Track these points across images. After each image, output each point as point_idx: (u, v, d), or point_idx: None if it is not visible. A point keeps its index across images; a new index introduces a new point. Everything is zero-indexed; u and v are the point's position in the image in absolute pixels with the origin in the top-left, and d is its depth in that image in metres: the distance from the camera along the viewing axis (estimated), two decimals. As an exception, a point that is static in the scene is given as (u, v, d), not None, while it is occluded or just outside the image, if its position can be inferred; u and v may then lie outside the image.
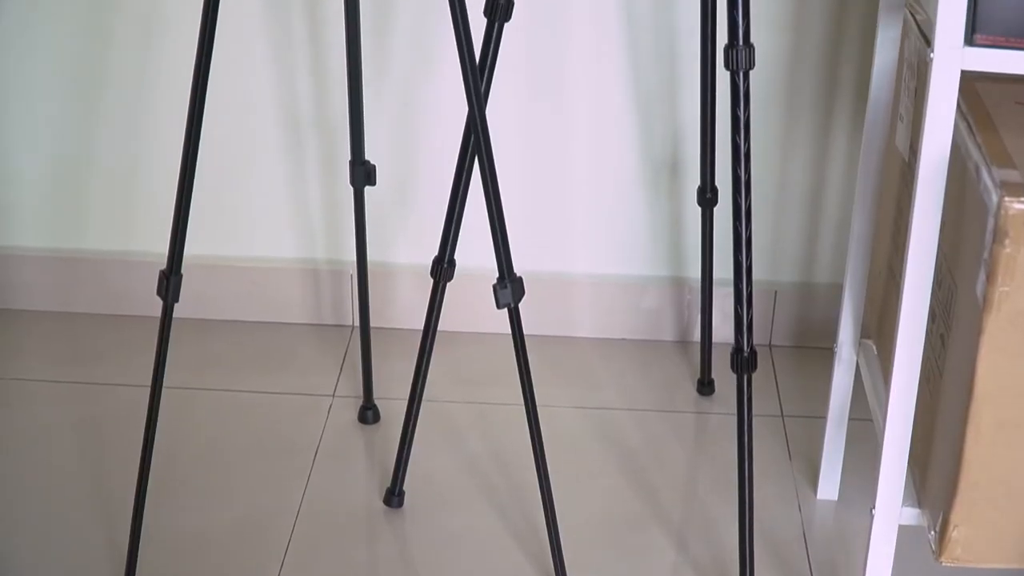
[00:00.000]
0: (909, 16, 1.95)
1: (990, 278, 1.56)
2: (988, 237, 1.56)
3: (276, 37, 2.36)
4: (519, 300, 1.86)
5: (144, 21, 2.35)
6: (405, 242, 2.49)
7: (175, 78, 2.37)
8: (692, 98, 2.30)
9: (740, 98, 1.80)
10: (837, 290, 2.27)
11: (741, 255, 1.86)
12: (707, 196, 2.24)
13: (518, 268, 1.91)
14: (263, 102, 2.41)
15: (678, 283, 2.51)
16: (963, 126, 1.69)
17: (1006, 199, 1.53)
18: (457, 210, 1.94)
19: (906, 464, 1.78)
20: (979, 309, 1.59)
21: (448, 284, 1.99)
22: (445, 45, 2.04)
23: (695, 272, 2.44)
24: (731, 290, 1.90)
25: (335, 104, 2.38)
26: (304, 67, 2.38)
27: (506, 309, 1.86)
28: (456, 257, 1.97)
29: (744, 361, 1.90)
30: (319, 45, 2.36)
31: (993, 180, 1.57)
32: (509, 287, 1.85)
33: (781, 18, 2.31)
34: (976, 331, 1.60)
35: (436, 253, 1.98)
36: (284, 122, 2.42)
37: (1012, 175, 1.58)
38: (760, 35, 2.25)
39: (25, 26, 2.38)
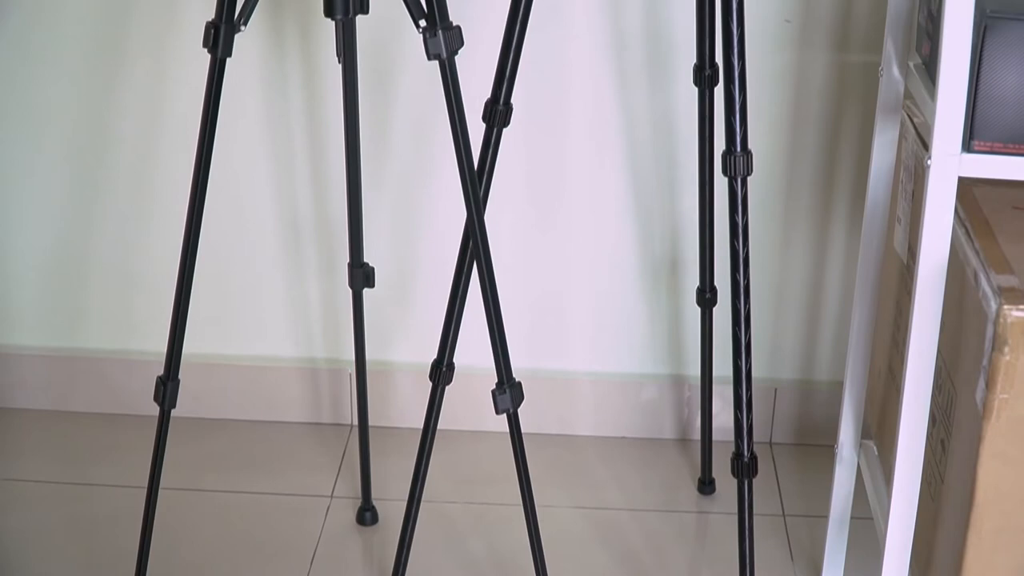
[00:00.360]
0: (906, 118, 1.95)
1: (989, 385, 1.56)
2: (987, 344, 1.56)
3: (276, 138, 2.37)
4: (518, 405, 1.86)
5: (144, 122, 2.36)
6: (404, 341, 2.49)
7: (174, 177, 2.37)
8: (691, 196, 2.31)
9: (738, 204, 1.80)
10: (837, 388, 2.27)
11: (741, 360, 1.85)
12: (706, 296, 2.24)
13: (517, 365, 1.91)
14: (263, 203, 2.41)
15: (678, 381, 2.51)
16: (961, 232, 1.69)
17: (1005, 307, 1.52)
18: (456, 314, 1.94)
19: (908, 568, 1.76)
20: (979, 416, 1.58)
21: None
22: (444, 148, 2.05)
23: (695, 370, 2.43)
24: (731, 387, 1.90)
25: (334, 205, 2.39)
26: (304, 168, 2.38)
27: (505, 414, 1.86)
28: (456, 355, 1.97)
29: (745, 466, 1.89)
30: (318, 147, 2.37)
31: (992, 287, 1.57)
32: (508, 392, 1.85)
33: (778, 118, 2.31)
34: (976, 438, 1.59)
35: (435, 354, 1.98)
36: (283, 223, 2.42)
37: (1010, 281, 1.58)
38: (757, 134, 2.26)
39: (25, 123, 2.39)
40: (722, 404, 2.40)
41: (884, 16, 2.01)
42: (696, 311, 2.30)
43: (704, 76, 2.05)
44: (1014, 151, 1.61)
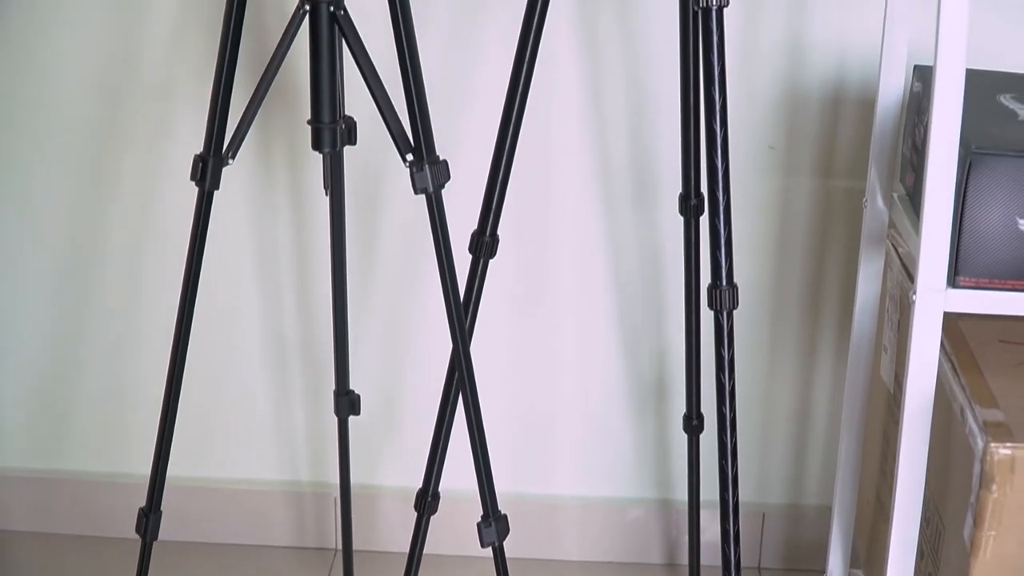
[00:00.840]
0: (891, 248, 1.96)
1: (977, 522, 1.55)
2: (975, 481, 1.55)
3: (263, 265, 2.37)
4: (503, 538, 1.85)
5: (132, 244, 2.36)
6: (390, 465, 2.48)
7: (161, 302, 2.37)
8: (678, 320, 2.31)
9: (724, 337, 1.80)
10: (826, 512, 2.26)
11: (728, 493, 1.84)
12: (693, 423, 2.23)
13: (503, 490, 1.90)
14: (249, 329, 2.41)
15: (665, 505, 2.49)
16: (947, 366, 1.69)
17: (992, 445, 1.52)
18: (441, 445, 1.93)
19: None
20: (967, 552, 1.57)
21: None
22: (430, 277, 2.05)
23: (682, 494, 2.42)
24: (719, 511, 1.88)
25: (321, 332, 2.38)
26: (290, 296, 2.38)
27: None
28: (442, 480, 1.96)
29: (732, 601, 1.88)
30: (305, 275, 2.37)
31: (978, 423, 1.57)
32: (493, 525, 1.84)
33: (763, 244, 2.32)
34: (964, 574, 1.58)
35: (421, 480, 1.96)
36: (270, 348, 2.42)
37: (996, 416, 1.58)
38: (743, 260, 2.27)
39: (12, 244, 2.39)
40: (710, 517, 2.38)
41: (868, 143, 2.03)
42: (684, 436, 2.29)
43: (690, 206, 2.06)
44: (999, 286, 1.61)
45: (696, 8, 1.70)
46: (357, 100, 1.90)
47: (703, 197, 2.04)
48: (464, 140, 2.20)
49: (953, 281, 1.61)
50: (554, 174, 2.30)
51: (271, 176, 2.31)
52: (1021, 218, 1.59)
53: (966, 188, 1.58)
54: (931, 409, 1.62)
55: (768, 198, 2.30)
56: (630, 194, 2.30)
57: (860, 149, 2.22)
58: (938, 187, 1.55)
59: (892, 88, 1.94)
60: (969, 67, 1.54)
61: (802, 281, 2.34)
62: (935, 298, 1.59)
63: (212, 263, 1.94)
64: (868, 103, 2.14)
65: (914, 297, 1.59)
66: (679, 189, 2.09)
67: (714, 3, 1.69)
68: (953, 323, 1.76)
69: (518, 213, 2.27)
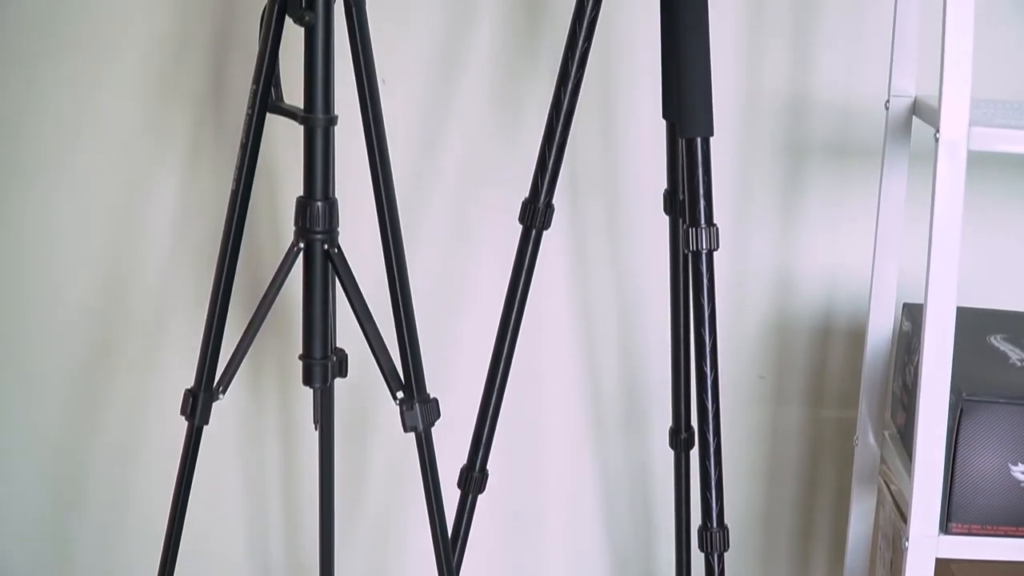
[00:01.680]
0: (883, 484, 1.96)
1: None
2: None
3: (250, 495, 2.35)
4: None
5: (119, 474, 2.35)
6: None
7: (147, 530, 2.34)
8: (668, 553, 2.28)
9: (716, 578, 1.79)
10: None
11: None
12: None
13: None
14: (235, 560, 2.38)
15: None
16: (940, 613, 1.67)
17: None
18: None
19: None
20: None
21: None
22: (419, 510, 2.03)
23: None
24: None
25: (307, 563, 2.36)
26: (277, 527, 2.37)
27: None
28: None
29: None
30: (293, 508, 2.35)
31: None
32: None
33: (753, 474, 2.31)
34: None
35: None
36: (256, 571, 2.40)
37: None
38: (732, 489, 2.25)
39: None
40: None
41: (857, 373, 2.03)
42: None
43: (680, 440, 2.05)
44: (992, 532, 1.61)
45: (686, 252, 1.72)
46: (349, 332, 1.90)
47: (693, 431, 2.04)
48: (454, 376, 2.19)
49: (946, 527, 1.60)
50: (544, 408, 2.29)
51: (261, 408, 2.30)
52: (1014, 465, 1.59)
53: (958, 435, 1.58)
54: (926, 659, 1.60)
55: (758, 428, 2.30)
56: (620, 427, 2.30)
57: (850, 379, 2.22)
58: (929, 435, 1.55)
59: (882, 326, 1.95)
60: (959, 305, 1.55)
61: (793, 514, 2.33)
62: (927, 544, 1.58)
63: (198, 492, 1.93)
64: (857, 334, 2.15)
65: (906, 544, 1.58)
66: (669, 421, 2.08)
67: (704, 248, 1.70)
68: (945, 567, 1.75)
69: (508, 446, 2.25)
